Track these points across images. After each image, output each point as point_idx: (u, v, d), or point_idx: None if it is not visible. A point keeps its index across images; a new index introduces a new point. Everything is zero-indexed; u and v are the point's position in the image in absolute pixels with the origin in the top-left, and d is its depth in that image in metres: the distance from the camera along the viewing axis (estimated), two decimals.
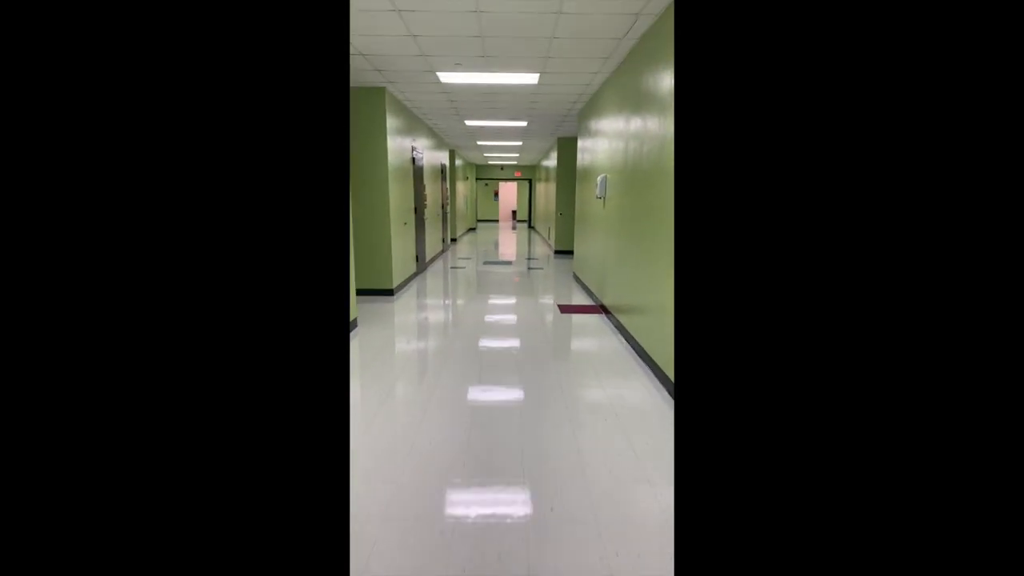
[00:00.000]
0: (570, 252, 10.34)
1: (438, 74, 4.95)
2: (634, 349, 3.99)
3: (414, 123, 7.33)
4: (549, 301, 5.90)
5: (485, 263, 9.20)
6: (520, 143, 10.93)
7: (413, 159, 7.12)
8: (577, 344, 4.23)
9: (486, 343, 4.19)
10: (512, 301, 5.90)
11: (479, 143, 11.01)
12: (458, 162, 13.48)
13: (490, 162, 16.75)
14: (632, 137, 4.16)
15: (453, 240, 13.05)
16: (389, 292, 6.06)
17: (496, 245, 12.70)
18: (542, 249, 11.62)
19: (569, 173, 9.91)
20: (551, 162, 11.35)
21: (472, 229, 17.70)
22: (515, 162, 16.64)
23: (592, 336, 4.47)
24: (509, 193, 23.79)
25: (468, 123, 8.05)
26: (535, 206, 17.93)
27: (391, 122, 5.94)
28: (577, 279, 7.22)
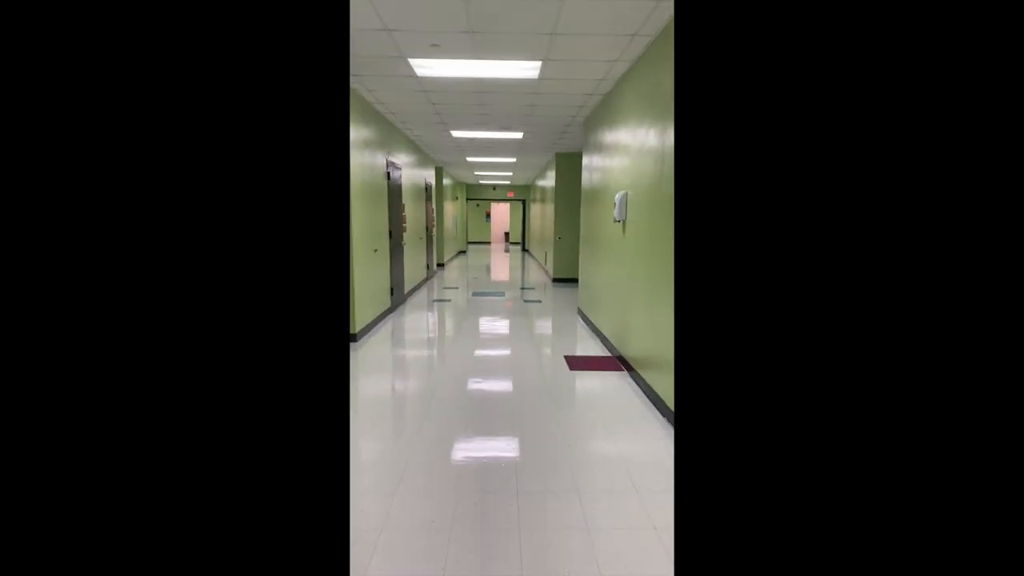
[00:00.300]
0: (572, 280, 9.21)
1: (411, 62, 3.84)
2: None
3: (390, 133, 6.23)
4: (553, 351, 4.72)
5: (474, 294, 8.02)
6: (514, 159, 9.88)
7: (388, 174, 6.00)
8: (597, 435, 3.04)
9: (466, 429, 3.00)
10: (506, 351, 4.72)
11: (469, 159, 9.95)
12: (446, 181, 12.40)
13: (482, 181, 15.72)
14: (668, 146, 3.05)
15: (440, 266, 11.89)
16: (351, 338, 4.86)
17: (488, 270, 11.53)
18: (538, 276, 10.47)
19: (570, 192, 8.85)
20: (548, 181, 10.30)
21: (462, 252, 16.56)
22: (508, 181, 15.62)
23: (616, 415, 3.28)
24: (501, 214, 22.76)
25: (455, 134, 6.96)
26: (529, 228, 16.88)
27: (357, 130, 4.83)
28: (584, 317, 6.06)
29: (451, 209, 13.37)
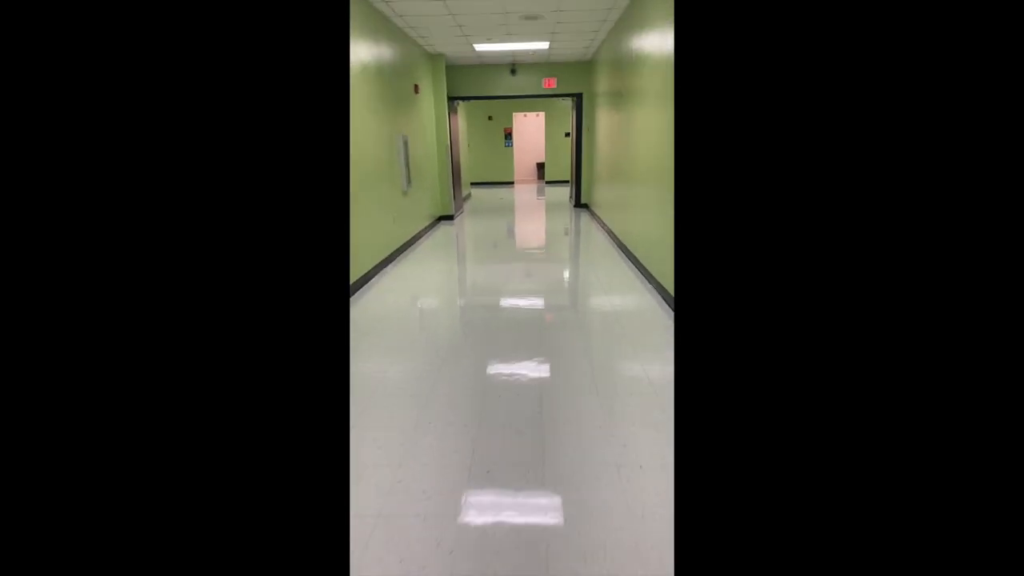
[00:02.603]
0: None
1: None
2: None
3: None
4: None
5: None
6: None
7: None
8: None
9: None
10: None
11: None
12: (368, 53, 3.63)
13: (481, 48, 6.78)
14: None
15: None
16: None
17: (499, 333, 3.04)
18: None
19: None
20: None
21: (447, 217, 7.89)
22: (545, 43, 6.64)
23: None
24: (531, 132, 13.62)
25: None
26: (595, 158, 7.93)
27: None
28: None
29: (373, 126, 4.65)
